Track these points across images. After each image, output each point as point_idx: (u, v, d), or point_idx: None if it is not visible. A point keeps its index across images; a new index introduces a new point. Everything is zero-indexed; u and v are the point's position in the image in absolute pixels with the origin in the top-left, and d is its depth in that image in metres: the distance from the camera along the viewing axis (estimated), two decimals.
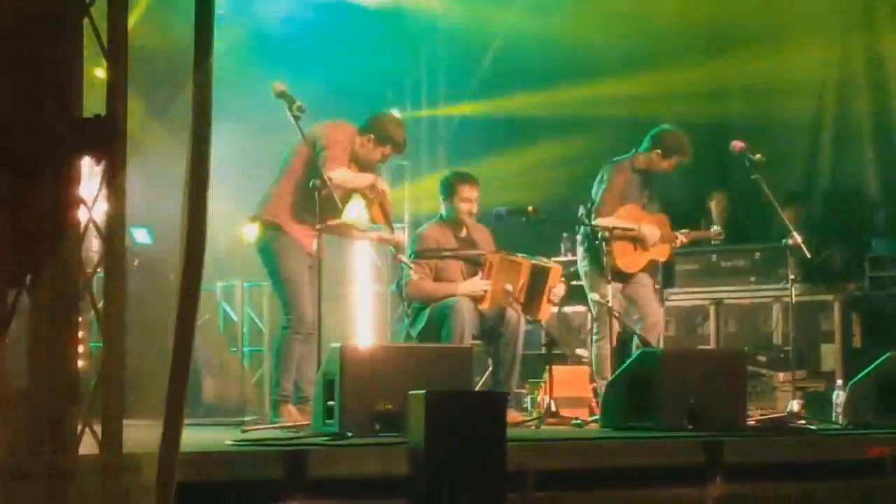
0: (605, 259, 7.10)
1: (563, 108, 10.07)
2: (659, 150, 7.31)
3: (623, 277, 7.25)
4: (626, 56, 9.81)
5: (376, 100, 9.89)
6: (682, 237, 7.48)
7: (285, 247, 6.46)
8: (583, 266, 7.37)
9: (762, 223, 8.37)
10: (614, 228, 7.14)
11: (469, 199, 6.99)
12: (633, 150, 7.42)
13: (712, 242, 8.17)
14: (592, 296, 7.22)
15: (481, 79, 10.22)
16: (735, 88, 9.91)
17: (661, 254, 7.44)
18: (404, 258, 6.85)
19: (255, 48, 8.93)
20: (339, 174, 6.38)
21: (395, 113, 10.27)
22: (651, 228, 7.30)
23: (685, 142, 7.39)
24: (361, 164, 6.62)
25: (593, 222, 7.18)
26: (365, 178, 6.51)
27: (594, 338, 7.24)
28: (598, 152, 9.73)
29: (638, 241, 7.27)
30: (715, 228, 7.93)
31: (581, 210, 7.31)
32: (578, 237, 7.65)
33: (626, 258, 7.23)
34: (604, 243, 7.11)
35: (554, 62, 9.85)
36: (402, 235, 6.85)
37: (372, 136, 6.58)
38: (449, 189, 7.04)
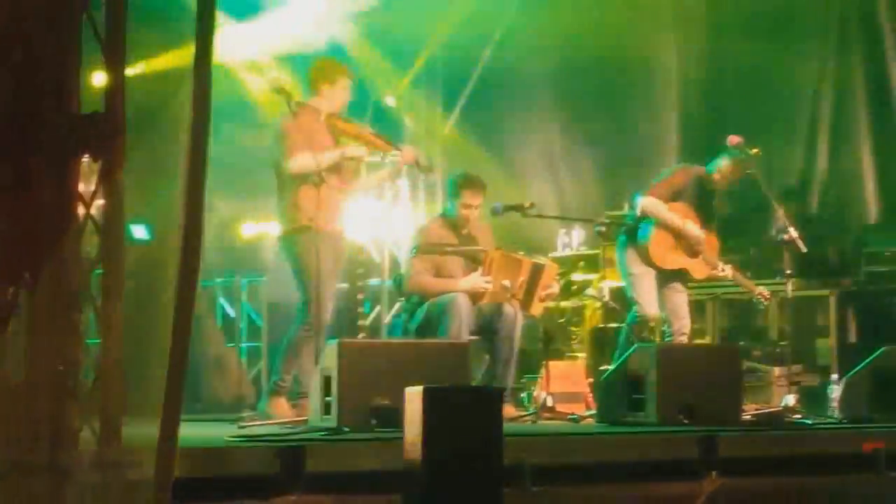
0: (641, 245, 7.07)
1: (562, 103, 10.10)
2: (728, 157, 7.21)
3: (656, 268, 7.16)
4: (624, 51, 9.83)
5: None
6: (728, 270, 7.25)
7: (309, 245, 6.36)
8: (621, 253, 7.32)
9: (758, 218, 8.39)
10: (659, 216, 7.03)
11: (470, 206, 6.97)
12: (703, 169, 7.35)
13: (754, 301, 7.54)
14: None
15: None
16: (732, 83, 9.93)
17: (698, 271, 7.22)
18: (427, 163, 6.79)
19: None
20: (300, 161, 6.33)
21: (390, 100, 10.32)
22: (697, 231, 7.10)
23: (742, 169, 7.15)
24: (343, 114, 6.56)
25: (637, 199, 7.13)
26: (329, 158, 6.39)
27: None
28: (598, 148, 9.80)
29: (680, 240, 7.10)
30: (761, 289, 7.39)
31: (636, 197, 7.25)
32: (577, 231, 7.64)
33: (660, 249, 7.10)
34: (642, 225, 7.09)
35: (552, 53, 9.87)
36: (410, 148, 6.75)
37: (324, 85, 6.54)
38: (454, 191, 7.03)
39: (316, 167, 6.31)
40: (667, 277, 7.20)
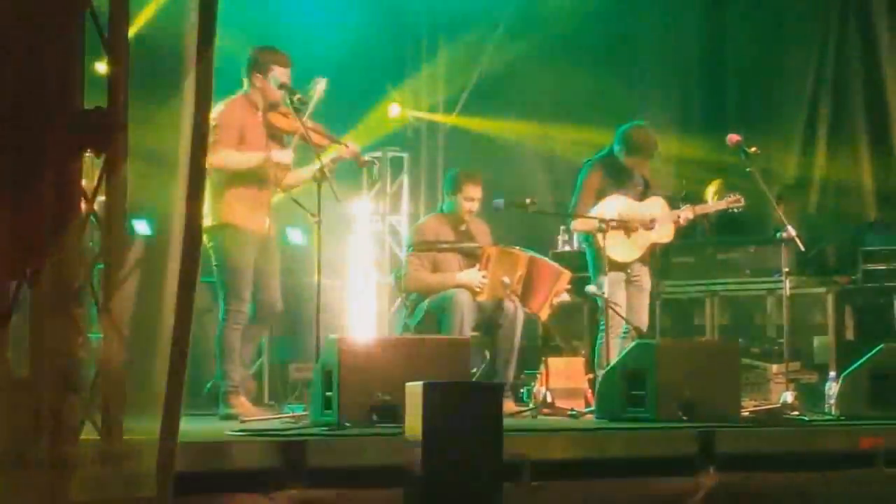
0: (599, 253, 7.14)
1: (559, 100, 10.10)
2: (623, 149, 7.30)
3: (623, 268, 7.25)
4: (621, 44, 9.84)
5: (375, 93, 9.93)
6: (688, 212, 7.35)
7: (231, 242, 6.37)
8: (588, 256, 7.40)
9: (757, 216, 8.40)
10: (603, 220, 7.08)
11: (472, 198, 7.03)
12: (608, 150, 7.41)
13: (730, 210, 7.55)
14: (589, 288, 7.25)
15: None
16: (731, 81, 9.94)
17: (663, 236, 7.34)
18: (367, 158, 6.75)
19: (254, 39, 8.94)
20: (222, 158, 6.29)
21: (395, 109, 10.32)
22: (639, 215, 7.21)
23: (650, 140, 7.31)
24: (281, 110, 6.46)
25: (571, 226, 7.21)
26: (254, 158, 6.34)
27: (599, 328, 7.27)
28: (594, 146, 9.81)
29: (628, 230, 7.23)
30: (728, 199, 7.50)
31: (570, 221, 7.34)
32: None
33: (620, 247, 7.21)
34: (596, 237, 7.14)
35: (548, 51, 9.88)
36: (355, 144, 6.63)
37: (256, 75, 6.44)
38: (455, 185, 7.06)
39: (236, 167, 6.32)
40: (630, 264, 7.23)
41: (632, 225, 7.20)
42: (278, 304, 6.49)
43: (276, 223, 6.64)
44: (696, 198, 8.13)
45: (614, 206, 7.20)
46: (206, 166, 6.18)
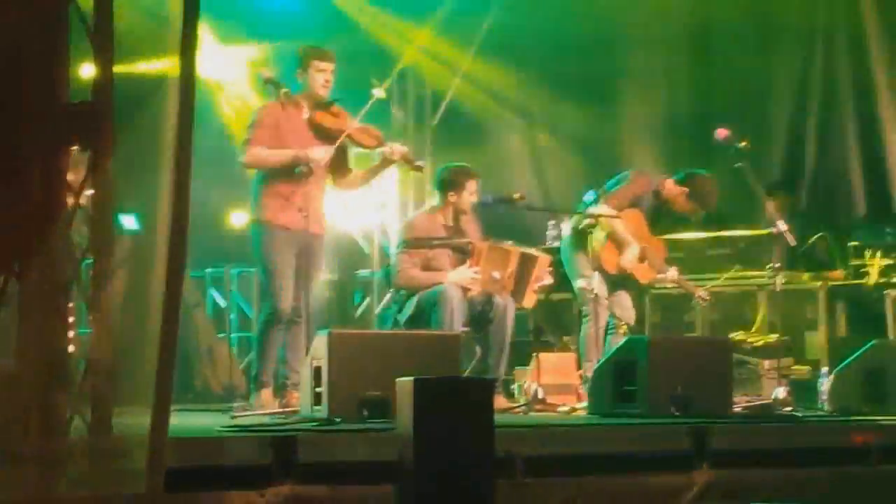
0: (590, 247, 7.12)
1: (551, 95, 10.09)
2: (687, 190, 7.29)
3: (604, 273, 7.25)
4: (610, 40, 9.83)
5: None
6: (672, 273, 7.37)
7: (269, 240, 6.38)
8: (569, 251, 7.37)
9: (747, 211, 8.39)
10: (605, 216, 7.07)
11: (474, 193, 7.03)
12: (667, 176, 7.41)
13: (693, 302, 7.79)
14: (579, 282, 7.23)
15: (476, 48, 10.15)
16: (720, 76, 9.94)
17: (642, 275, 7.32)
18: (420, 163, 6.82)
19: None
20: (253, 154, 6.32)
21: (379, 92, 10.27)
22: (632, 252, 7.21)
23: (713, 195, 7.33)
24: (331, 110, 6.50)
25: (598, 206, 7.14)
26: (283, 155, 6.33)
27: (582, 321, 7.27)
28: (584, 141, 9.81)
29: (620, 247, 7.21)
30: (701, 293, 7.60)
31: (589, 194, 7.24)
32: (568, 223, 7.64)
33: (610, 255, 7.18)
34: (595, 230, 7.12)
35: (539, 48, 9.85)
36: (398, 145, 6.68)
37: (297, 71, 6.46)
38: (457, 184, 7.00)
39: (265, 163, 6.32)
40: (613, 280, 7.21)
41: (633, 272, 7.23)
42: (309, 307, 6.40)
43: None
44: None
45: (633, 220, 7.21)
46: (241, 164, 6.34)
